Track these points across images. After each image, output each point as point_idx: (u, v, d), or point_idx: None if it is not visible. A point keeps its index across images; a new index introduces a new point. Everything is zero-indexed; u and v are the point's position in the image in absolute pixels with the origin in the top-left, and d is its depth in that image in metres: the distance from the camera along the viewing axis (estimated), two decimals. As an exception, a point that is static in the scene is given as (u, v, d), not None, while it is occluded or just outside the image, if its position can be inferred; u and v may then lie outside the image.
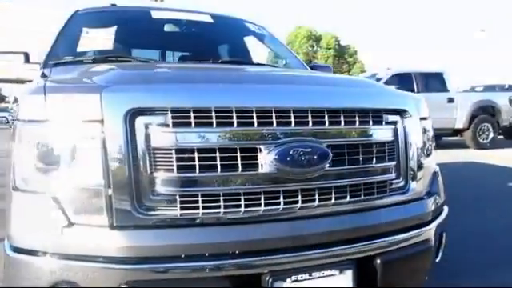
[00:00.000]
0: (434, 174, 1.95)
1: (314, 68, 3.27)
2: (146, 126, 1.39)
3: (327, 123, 1.56)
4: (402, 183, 1.73)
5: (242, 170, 1.43)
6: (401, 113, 1.76)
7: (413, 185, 1.75)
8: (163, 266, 1.35)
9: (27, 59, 2.71)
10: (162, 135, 1.39)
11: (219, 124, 1.42)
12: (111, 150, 1.36)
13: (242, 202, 1.43)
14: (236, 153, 1.43)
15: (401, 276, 1.65)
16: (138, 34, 2.93)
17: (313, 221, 1.50)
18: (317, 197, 1.51)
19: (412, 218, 1.70)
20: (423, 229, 1.72)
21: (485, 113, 10.97)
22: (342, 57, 44.69)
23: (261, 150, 1.45)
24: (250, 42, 3.37)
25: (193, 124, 1.41)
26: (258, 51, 3.30)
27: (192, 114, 1.41)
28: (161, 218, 1.38)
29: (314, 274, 1.45)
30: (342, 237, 1.52)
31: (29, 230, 1.40)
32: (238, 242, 1.41)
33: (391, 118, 1.73)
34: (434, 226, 1.77)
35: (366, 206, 1.61)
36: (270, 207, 1.45)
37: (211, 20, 3.19)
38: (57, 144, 1.41)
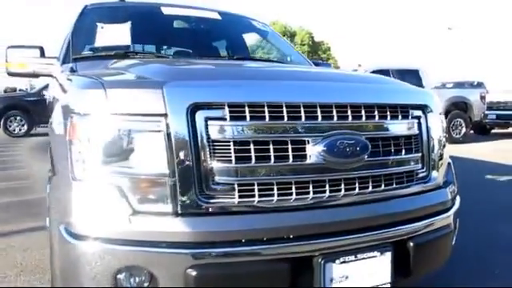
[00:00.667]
0: (449, 164, 2.12)
1: (316, 64, 3.41)
2: (206, 120, 1.48)
3: (364, 117, 1.69)
4: (426, 173, 1.88)
5: (292, 161, 1.54)
6: (423, 108, 1.91)
7: (434, 174, 1.91)
8: (225, 251, 1.44)
9: (42, 53, 2.72)
10: (220, 128, 1.49)
11: (271, 118, 1.53)
12: (175, 142, 1.44)
13: (294, 191, 1.54)
14: (287, 145, 1.54)
15: (428, 257, 1.80)
16: (152, 29, 2.96)
17: (354, 207, 1.63)
18: (357, 185, 1.64)
19: (436, 205, 1.86)
20: (445, 215, 1.88)
21: (458, 108, 11.47)
22: (316, 53, 45.19)
23: (309, 142, 1.57)
24: (259, 38, 3.47)
25: (248, 118, 1.51)
26: (266, 48, 3.40)
27: (247, 109, 1.51)
28: (220, 205, 1.48)
29: (359, 256, 1.58)
30: (380, 222, 1.66)
31: (94, 219, 1.46)
32: (291, 227, 1.52)
33: (416, 112, 1.88)
34: (452, 212, 1.93)
35: (397, 194, 1.75)
36: (317, 195, 1.57)
37: (219, 17, 3.27)
38: (119, 136, 1.47)
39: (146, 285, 1.43)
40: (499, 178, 6.34)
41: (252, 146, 1.50)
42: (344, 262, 1.55)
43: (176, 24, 3.12)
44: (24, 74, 2.75)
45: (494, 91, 12.99)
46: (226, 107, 1.49)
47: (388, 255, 1.64)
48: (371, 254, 1.60)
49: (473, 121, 11.71)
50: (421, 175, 1.86)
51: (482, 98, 11.83)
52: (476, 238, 3.39)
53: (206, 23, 3.21)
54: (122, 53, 2.53)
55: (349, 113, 1.66)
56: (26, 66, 2.69)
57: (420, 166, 1.85)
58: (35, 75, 2.77)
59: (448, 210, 1.91)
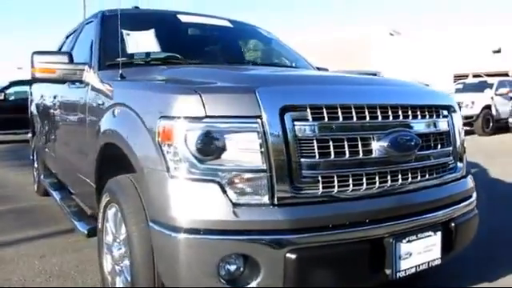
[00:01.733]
0: (466, 157, 2.44)
1: (318, 69, 3.67)
2: (293, 120, 1.67)
3: (411, 117, 1.95)
4: (454, 164, 2.18)
5: (362, 155, 1.77)
6: (449, 108, 2.21)
7: (460, 165, 2.21)
8: (315, 235, 1.64)
9: (71, 60, 2.76)
10: (305, 128, 1.68)
11: (344, 118, 1.75)
12: (270, 141, 1.62)
13: (364, 181, 1.77)
14: (357, 141, 1.77)
15: (464, 235, 2.09)
16: (175, 37, 3.08)
17: (411, 194, 1.90)
18: (410, 175, 1.90)
19: (465, 191, 2.17)
20: (471, 199, 2.19)
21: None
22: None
23: (374, 139, 1.80)
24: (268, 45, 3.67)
25: (326, 118, 1.72)
26: (274, 53, 3.60)
27: (325, 110, 1.72)
28: (308, 195, 1.68)
29: (419, 236, 1.83)
30: (432, 206, 1.93)
31: (196, 212, 1.60)
32: (365, 213, 1.75)
33: (445, 112, 2.17)
34: (475, 197, 2.25)
35: (438, 182, 2.04)
36: (381, 184, 1.81)
37: (231, 25, 3.44)
38: (217, 136, 1.62)
39: (248, 270, 1.59)
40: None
41: (331, 143, 1.71)
42: (409, 241, 1.79)
43: (195, 31, 3.25)
44: (50, 79, 2.77)
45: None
46: (309, 109, 1.69)
47: (439, 234, 1.90)
48: (427, 233, 1.86)
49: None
50: (451, 166, 2.15)
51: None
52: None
53: (222, 31, 3.36)
54: (162, 59, 2.64)
55: (399, 112, 1.91)
56: (53, 72, 2.71)
57: (451, 158, 2.15)
58: (62, 81, 2.80)
59: (472, 195, 2.22)
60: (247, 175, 1.62)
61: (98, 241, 2.40)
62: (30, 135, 5.96)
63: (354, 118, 1.77)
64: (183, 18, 3.22)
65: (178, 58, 2.73)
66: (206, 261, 1.59)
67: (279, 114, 1.64)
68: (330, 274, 1.68)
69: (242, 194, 1.62)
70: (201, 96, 1.64)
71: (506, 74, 19.20)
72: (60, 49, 4.48)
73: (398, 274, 1.76)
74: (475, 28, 28.12)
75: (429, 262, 1.87)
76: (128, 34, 2.87)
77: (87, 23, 3.60)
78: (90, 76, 2.66)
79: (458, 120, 2.25)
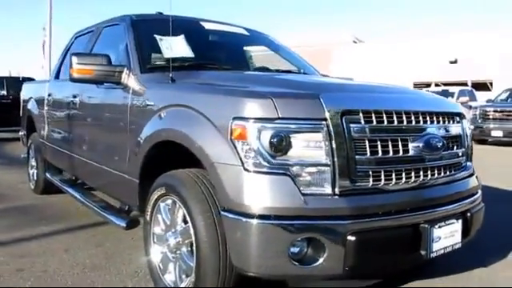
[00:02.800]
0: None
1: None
2: (349, 123, 1.95)
3: (435, 121, 2.29)
4: (466, 163, 2.54)
5: (402, 154, 2.08)
6: (460, 115, 2.57)
7: (469, 164, 2.58)
8: (369, 220, 1.93)
9: (109, 62, 2.91)
10: (358, 129, 1.97)
11: (388, 122, 2.05)
12: (333, 139, 1.89)
13: (403, 176, 2.08)
14: (398, 142, 2.08)
15: (476, 223, 2.43)
16: (202, 43, 3.29)
17: (439, 187, 2.23)
18: (436, 171, 2.23)
19: (475, 187, 2.53)
20: (479, 194, 2.55)
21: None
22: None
23: (410, 140, 2.12)
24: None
25: (374, 122, 2.01)
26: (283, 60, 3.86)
27: (373, 115, 2.01)
28: (361, 187, 1.96)
29: (446, 222, 2.16)
30: (454, 198, 2.27)
31: (270, 201, 1.84)
32: (406, 202, 2.05)
33: (457, 118, 2.53)
34: (481, 192, 2.61)
35: (456, 178, 2.38)
36: (416, 179, 2.13)
37: (247, 33, 3.69)
38: (287, 135, 1.87)
39: (314, 251, 1.85)
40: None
41: (378, 143, 2.01)
42: (439, 226, 2.11)
43: (218, 38, 3.47)
44: (88, 80, 2.90)
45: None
46: (361, 113, 1.98)
47: (460, 222, 2.24)
48: (452, 221, 2.19)
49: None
50: (463, 164, 2.51)
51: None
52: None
53: (241, 39, 3.61)
54: (201, 64, 2.87)
55: (427, 118, 2.24)
56: (91, 73, 2.85)
57: (464, 157, 2.50)
58: (100, 82, 2.94)
59: (479, 190, 2.59)
60: (313, 169, 1.89)
61: (144, 232, 2.58)
62: (21, 133, 5.93)
63: (395, 122, 2.08)
64: (206, 25, 3.43)
65: (215, 63, 2.95)
66: (278, 243, 1.84)
67: (340, 117, 1.92)
68: (380, 254, 1.97)
69: (309, 185, 1.88)
70: (273, 100, 1.89)
71: (466, 84, 20.46)
72: (68, 48, 4.56)
73: (431, 255, 2.07)
74: (433, 39, 29.65)
75: (452, 245, 2.20)
76: (161, 39, 3.05)
77: (107, 26, 3.73)
78: (131, 78, 2.82)
79: (466, 125, 2.61)
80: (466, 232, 2.30)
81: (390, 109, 2.08)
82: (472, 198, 2.42)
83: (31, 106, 5.12)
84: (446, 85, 20.24)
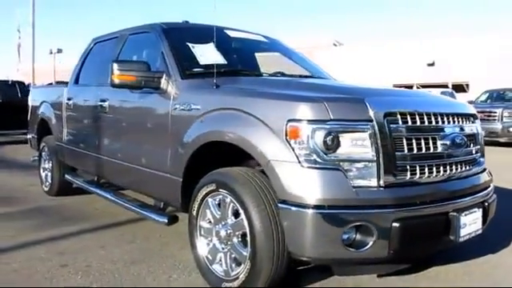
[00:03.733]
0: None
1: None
2: (390, 123, 2.21)
3: (457, 122, 2.57)
4: (480, 159, 2.83)
5: (432, 150, 2.35)
6: (474, 115, 2.86)
7: (482, 160, 2.87)
8: (410, 209, 2.19)
9: (149, 68, 3.09)
10: (397, 129, 2.23)
11: (420, 122, 2.32)
12: (379, 137, 2.15)
13: (434, 170, 2.35)
14: (429, 139, 2.35)
15: (491, 213, 2.73)
16: (230, 50, 3.50)
17: (464, 180, 2.51)
18: (459, 166, 2.52)
19: (489, 180, 2.83)
20: (492, 186, 2.85)
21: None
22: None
23: (439, 138, 2.39)
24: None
25: (409, 122, 2.28)
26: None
27: (408, 116, 2.28)
28: (400, 180, 2.22)
29: (471, 211, 2.44)
30: (476, 189, 2.56)
31: (324, 193, 2.08)
32: (438, 193, 2.33)
33: (472, 119, 2.82)
34: (493, 185, 2.91)
35: (474, 172, 2.67)
36: (444, 172, 2.40)
37: (267, 40, 3.93)
38: (338, 135, 2.13)
39: (363, 236, 2.10)
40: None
41: (413, 141, 2.28)
42: (465, 214, 2.39)
43: (243, 45, 3.70)
44: (128, 85, 3.08)
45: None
46: (399, 115, 2.25)
47: (480, 211, 2.53)
48: (474, 210, 2.48)
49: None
50: (478, 160, 2.80)
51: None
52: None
53: (263, 46, 3.84)
54: (228, 70, 3.08)
55: (451, 119, 2.53)
56: (133, 79, 3.03)
57: (479, 154, 2.80)
58: (139, 87, 3.11)
59: (491, 184, 2.89)
60: (361, 164, 2.14)
61: (189, 226, 2.77)
62: (29, 136, 6.01)
63: (426, 122, 2.35)
64: (230, 33, 3.65)
65: (245, 69, 3.17)
66: (332, 230, 2.08)
67: (383, 118, 2.18)
68: (418, 239, 2.24)
69: (358, 179, 2.13)
70: (325, 104, 2.14)
71: (446, 86, 21.19)
72: (88, 52, 4.68)
73: (459, 239, 2.35)
74: (411, 42, 30.53)
75: (475, 231, 2.48)
76: (193, 47, 3.26)
77: (132, 34, 3.89)
78: (171, 84, 3.02)
79: (479, 125, 2.91)
80: (484, 220, 2.59)
81: (421, 111, 2.35)
82: (487, 190, 2.71)
83: (45, 109, 5.22)
84: (424, 87, 20.90)
